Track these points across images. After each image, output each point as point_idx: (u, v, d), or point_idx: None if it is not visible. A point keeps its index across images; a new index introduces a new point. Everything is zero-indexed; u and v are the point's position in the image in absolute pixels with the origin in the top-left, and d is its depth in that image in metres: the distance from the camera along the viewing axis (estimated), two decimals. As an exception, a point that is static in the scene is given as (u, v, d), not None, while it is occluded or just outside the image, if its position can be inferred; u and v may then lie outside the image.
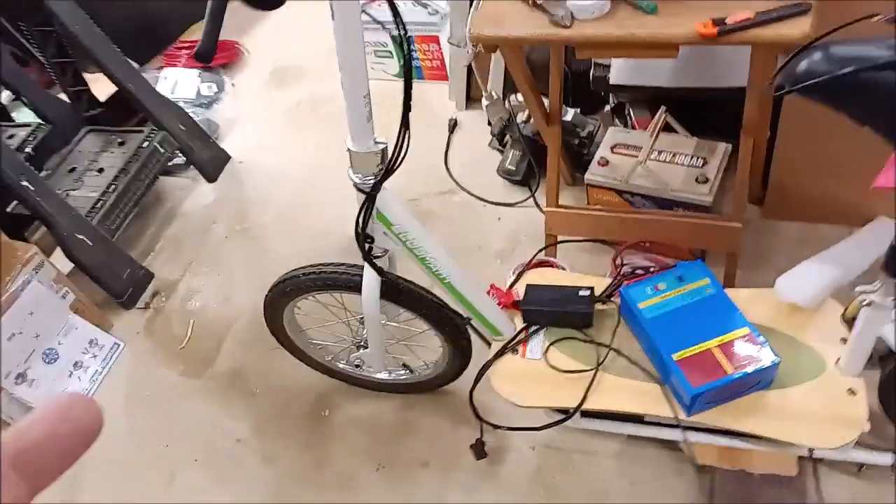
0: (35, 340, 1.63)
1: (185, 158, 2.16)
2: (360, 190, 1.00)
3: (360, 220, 1.03)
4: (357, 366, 1.41)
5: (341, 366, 1.49)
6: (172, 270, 1.94)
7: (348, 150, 0.96)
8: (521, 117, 1.82)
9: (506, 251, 1.74)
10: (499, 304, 1.23)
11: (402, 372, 1.45)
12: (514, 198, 1.89)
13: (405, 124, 0.96)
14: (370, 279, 1.13)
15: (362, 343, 1.34)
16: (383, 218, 1.04)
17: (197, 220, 2.08)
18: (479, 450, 1.33)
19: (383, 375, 1.45)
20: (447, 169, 2.00)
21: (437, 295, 1.21)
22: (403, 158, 0.99)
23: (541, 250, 1.51)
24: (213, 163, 2.19)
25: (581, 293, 1.19)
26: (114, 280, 1.83)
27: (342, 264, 1.22)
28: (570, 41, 1.18)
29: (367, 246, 1.08)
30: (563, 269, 1.48)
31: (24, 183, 1.67)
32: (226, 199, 2.13)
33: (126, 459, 1.55)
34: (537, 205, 1.81)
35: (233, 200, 2.13)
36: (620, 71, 1.55)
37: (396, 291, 1.17)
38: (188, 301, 1.86)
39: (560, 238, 1.57)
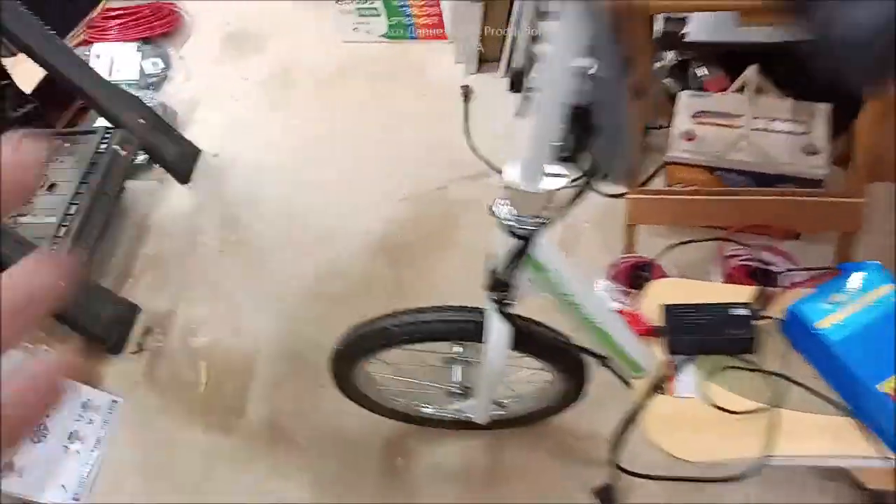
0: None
1: (147, 157, 1.79)
2: (513, 233, 0.75)
3: (506, 268, 0.79)
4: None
5: (427, 411, 1.25)
6: (161, 300, 1.61)
7: (507, 185, 0.70)
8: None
9: (570, 242, 1.51)
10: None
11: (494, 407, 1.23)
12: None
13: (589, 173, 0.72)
14: (499, 330, 0.89)
15: (457, 390, 1.11)
16: (534, 262, 0.80)
17: (178, 232, 1.73)
18: (606, 497, 1.14)
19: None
20: (472, 147, 1.73)
21: (566, 333, 1.00)
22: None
23: (630, 253, 1.30)
24: (182, 160, 1.82)
25: (736, 312, 1.00)
26: (93, 323, 1.49)
27: (446, 308, 0.97)
28: None
29: (501, 293, 0.84)
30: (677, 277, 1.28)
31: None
32: (207, 204, 1.79)
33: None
34: (593, 188, 1.58)
35: (215, 204, 1.78)
36: (702, 26, 1.32)
37: (529, 341, 0.94)
38: (190, 337, 1.55)
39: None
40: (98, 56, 2.04)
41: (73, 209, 1.52)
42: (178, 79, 2.09)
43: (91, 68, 1.66)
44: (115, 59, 2.05)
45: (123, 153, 1.64)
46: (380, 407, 1.23)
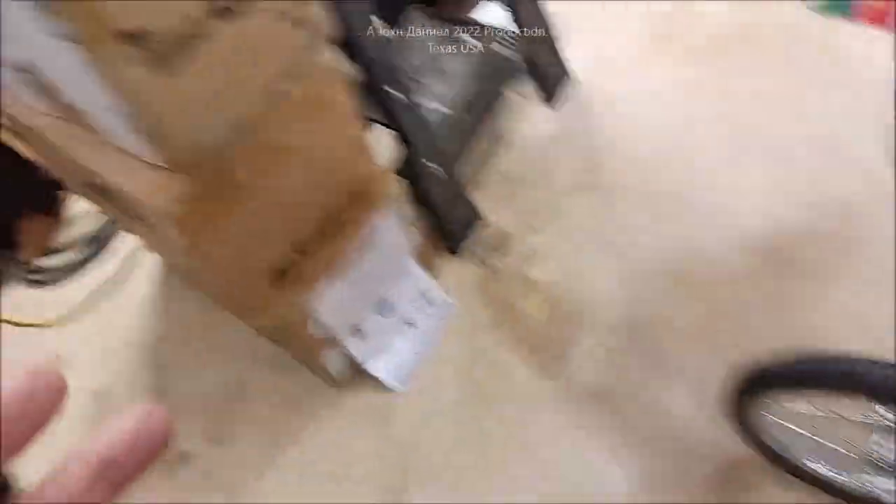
0: (376, 288, 1.35)
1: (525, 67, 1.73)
2: None
3: None
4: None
5: (814, 466, 1.09)
6: (504, 219, 1.59)
7: None
8: None
9: None
10: None
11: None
12: None
13: None
14: None
15: (878, 462, 0.95)
16: None
17: (533, 154, 1.68)
18: None
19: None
20: (896, 169, 1.46)
21: None
22: None
23: None
24: (555, 80, 1.75)
25: None
26: (448, 215, 1.50)
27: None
28: None
29: None
30: None
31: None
32: (567, 133, 1.71)
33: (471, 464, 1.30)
34: None
35: (576, 136, 1.70)
36: None
37: None
38: (527, 264, 1.52)
39: None
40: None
41: (457, 101, 1.50)
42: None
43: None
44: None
45: (515, 58, 1.59)
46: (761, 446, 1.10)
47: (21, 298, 1.72)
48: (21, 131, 1.07)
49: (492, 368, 1.39)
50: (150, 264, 1.70)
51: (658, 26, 1.85)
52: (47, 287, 1.72)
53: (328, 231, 1.13)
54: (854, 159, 1.50)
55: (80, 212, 1.82)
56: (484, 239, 1.56)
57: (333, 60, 0.96)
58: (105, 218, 1.77)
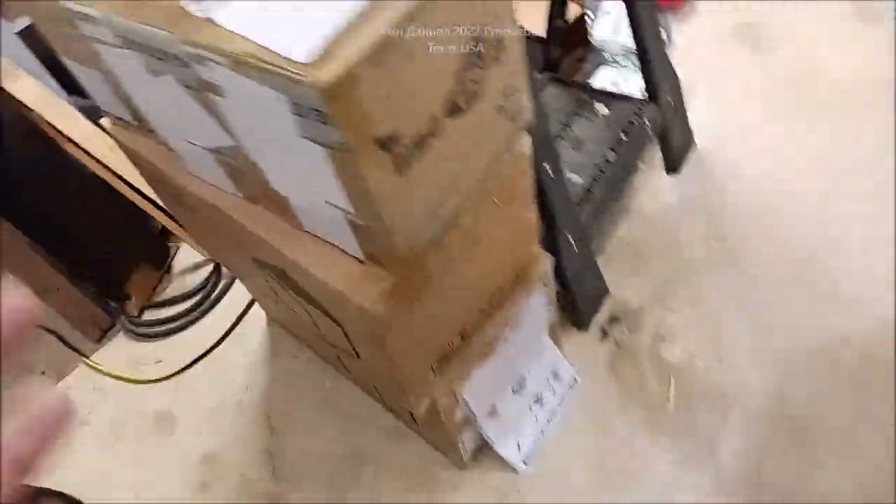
0: (517, 367, 1.30)
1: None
2: None
3: None
4: None
5: None
6: (632, 291, 1.53)
7: None
8: None
9: None
10: None
11: None
12: None
13: None
14: None
15: None
16: None
17: (658, 223, 1.63)
18: None
19: None
20: None
21: None
22: None
23: None
24: (682, 148, 1.71)
25: None
26: (582, 296, 1.45)
27: None
28: None
29: None
30: None
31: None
32: (693, 201, 1.65)
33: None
34: None
35: (703, 204, 1.64)
36: None
37: None
38: (662, 343, 1.45)
39: None
40: (608, 13, 1.97)
41: (599, 173, 1.46)
42: (672, 56, 1.96)
43: (658, 21, 1.55)
44: (620, 20, 1.96)
45: (650, 132, 1.55)
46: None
47: (126, 352, 1.70)
48: (171, 193, 1.05)
49: (623, 453, 1.32)
50: (260, 320, 1.67)
51: (784, 86, 1.80)
52: (154, 341, 1.70)
53: (488, 312, 1.09)
54: None
55: (189, 264, 1.81)
56: (613, 314, 1.50)
57: (527, 146, 0.92)
58: (214, 270, 1.75)
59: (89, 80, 1.00)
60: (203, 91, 0.70)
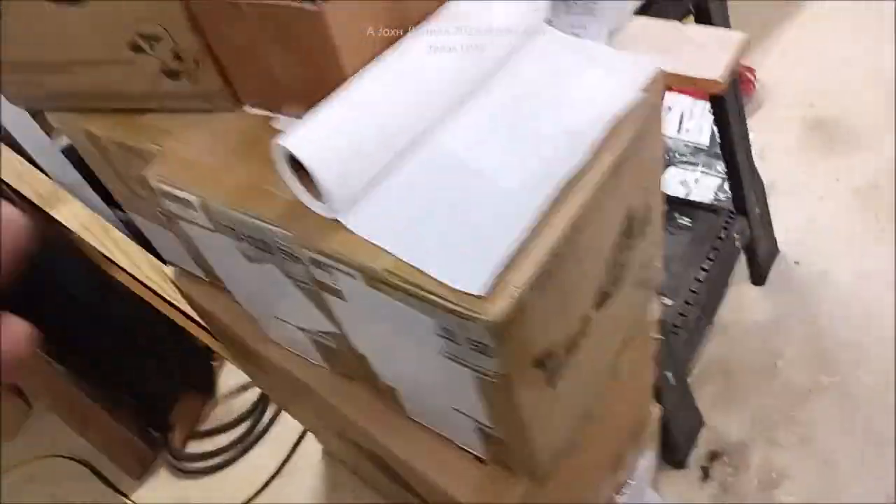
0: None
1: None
2: None
3: None
4: None
5: None
6: (730, 423, 1.38)
7: None
8: None
9: None
10: None
11: None
12: None
13: None
14: None
15: None
16: None
17: (750, 343, 1.49)
18: None
19: None
20: None
21: None
22: None
23: None
24: (765, 257, 1.58)
25: None
26: (677, 431, 1.30)
27: None
28: None
29: None
30: None
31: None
32: (787, 320, 1.51)
33: None
34: None
35: (798, 325, 1.50)
36: None
37: None
38: (771, 486, 1.29)
39: None
40: (669, 108, 1.90)
41: (690, 296, 1.34)
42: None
43: (746, 123, 1.44)
44: (685, 118, 1.88)
45: (739, 244, 1.43)
46: None
47: (170, 490, 1.56)
48: (243, 351, 0.93)
49: None
50: (314, 451, 1.53)
51: (872, 200, 1.68)
52: (200, 478, 1.56)
53: (606, 476, 0.95)
54: None
55: (234, 385, 1.69)
56: (712, 449, 1.35)
57: (658, 311, 0.80)
58: (261, 397, 1.62)
59: (157, 237, 0.91)
60: (316, 289, 0.59)
